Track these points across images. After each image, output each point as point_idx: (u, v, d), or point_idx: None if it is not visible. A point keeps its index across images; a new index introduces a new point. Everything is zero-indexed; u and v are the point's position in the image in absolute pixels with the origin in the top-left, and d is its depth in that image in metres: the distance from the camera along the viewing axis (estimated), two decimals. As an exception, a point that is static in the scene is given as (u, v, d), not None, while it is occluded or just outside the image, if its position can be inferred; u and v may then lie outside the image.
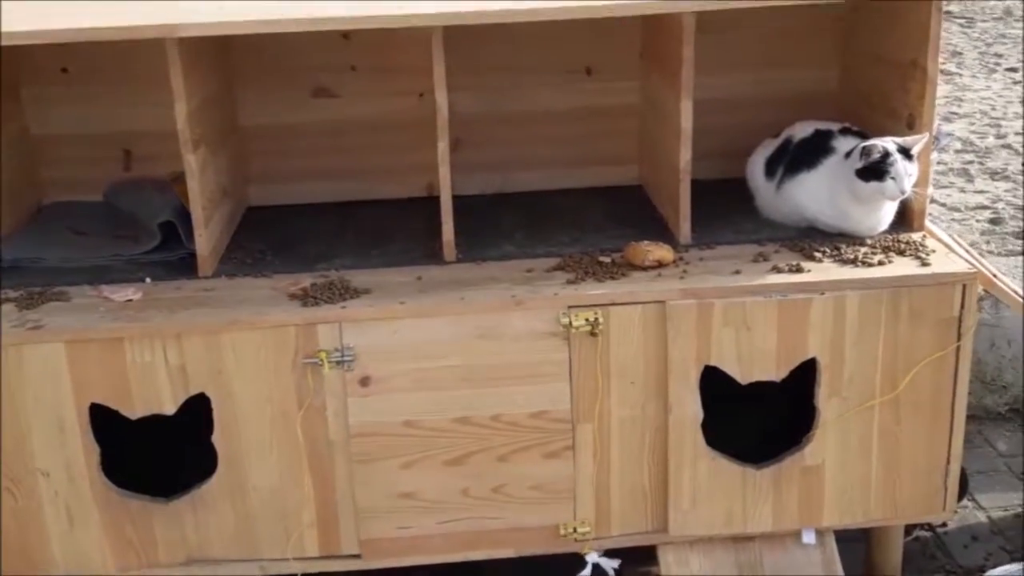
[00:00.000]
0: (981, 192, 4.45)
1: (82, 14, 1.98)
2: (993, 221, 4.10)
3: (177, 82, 1.96)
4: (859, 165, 2.02)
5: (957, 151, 5.01)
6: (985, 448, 2.84)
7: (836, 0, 2.00)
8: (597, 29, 2.33)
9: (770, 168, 2.23)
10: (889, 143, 2.02)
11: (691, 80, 2.04)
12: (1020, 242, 3.87)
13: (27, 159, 2.41)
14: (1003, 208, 4.24)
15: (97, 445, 1.99)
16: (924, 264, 2.01)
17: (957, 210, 4.26)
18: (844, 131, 2.15)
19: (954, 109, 5.73)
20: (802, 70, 2.45)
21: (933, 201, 4.34)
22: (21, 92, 2.39)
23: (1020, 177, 4.58)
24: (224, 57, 2.33)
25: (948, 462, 2.09)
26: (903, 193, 2.02)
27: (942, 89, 6.09)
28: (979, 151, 4.99)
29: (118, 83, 2.38)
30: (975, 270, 1.99)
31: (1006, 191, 4.44)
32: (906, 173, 2.00)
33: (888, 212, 2.13)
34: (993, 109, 5.68)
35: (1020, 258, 3.61)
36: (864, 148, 2.02)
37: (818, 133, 2.17)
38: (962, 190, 4.50)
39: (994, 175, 4.66)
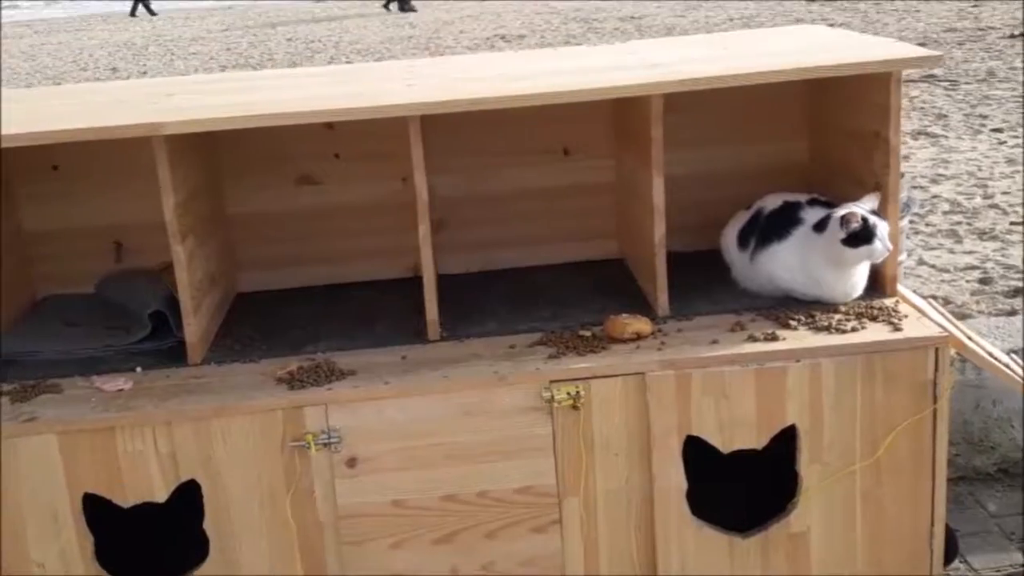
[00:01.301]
0: (970, 252, 4.49)
1: (72, 114, 2.05)
2: (983, 281, 4.13)
3: (164, 176, 2.03)
4: (843, 235, 2.08)
5: (945, 212, 5.06)
6: (976, 509, 2.84)
7: (798, 77, 2.07)
8: (572, 111, 2.40)
9: (743, 240, 2.28)
10: (855, 208, 2.07)
11: (661, 159, 2.10)
12: (1010, 301, 3.90)
13: (22, 255, 2.47)
14: (992, 268, 4.27)
15: (91, 534, 2.01)
16: (896, 329, 2.05)
17: (947, 271, 4.30)
18: (812, 202, 2.22)
19: (941, 171, 5.80)
20: (771, 143, 2.52)
21: (923, 263, 4.39)
22: (14, 190, 2.46)
23: (1008, 237, 4.64)
24: (210, 149, 2.40)
25: (932, 524, 2.10)
26: (888, 250, 2.09)
27: (928, 152, 6.20)
28: (967, 212, 5.05)
29: (107, 178, 2.45)
30: (946, 334, 2.03)
31: (994, 251, 4.48)
32: (886, 232, 2.07)
33: (861, 278, 2.17)
34: (979, 170, 5.75)
35: (1010, 318, 3.64)
36: (843, 218, 2.07)
37: (787, 204, 2.23)
38: (951, 251, 4.54)
39: (982, 235, 4.70)
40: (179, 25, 19.81)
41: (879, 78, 2.07)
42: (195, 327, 2.15)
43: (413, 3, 19.13)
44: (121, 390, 2.05)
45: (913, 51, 2.07)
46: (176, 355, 2.18)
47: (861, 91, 2.18)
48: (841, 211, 2.08)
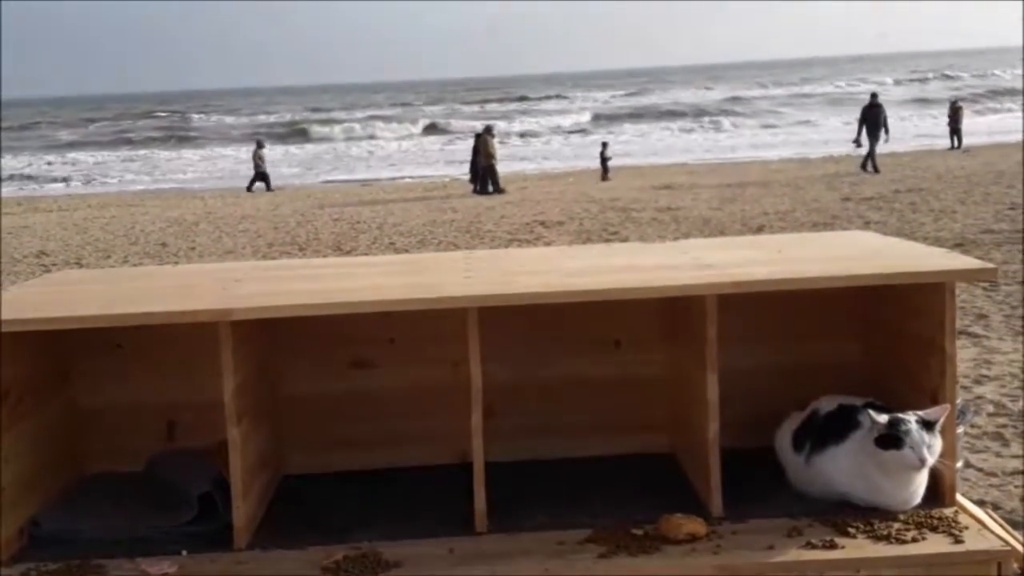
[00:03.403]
0: (1017, 456, 4.41)
1: (143, 297, 2.11)
2: (1032, 487, 4.05)
3: (227, 359, 2.07)
4: (875, 434, 2.07)
5: (990, 414, 5.01)
6: None
7: (852, 284, 2.10)
8: (624, 305, 2.44)
9: (798, 442, 2.27)
10: (910, 415, 2.06)
11: (715, 356, 2.12)
12: (1062, 507, 3.80)
13: (72, 430, 2.49)
14: (1041, 473, 4.19)
15: None
16: (957, 541, 2.00)
17: (994, 475, 4.21)
18: (869, 405, 2.21)
19: (983, 371, 5.77)
20: (824, 343, 2.54)
21: (969, 466, 4.31)
22: (73, 366, 2.50)
23: (1057, 440, 4.56)
24: (269, 333, 2.45)
25: None
26: (922, 462, 2.05)
27: (970, 352, 6.17)
28: (1012, 414, 4.98)
29: (164, 358, 2.49)
30: (1009, 548, 1.98)
31: (1042, 455, 4.40)
32: (923, 442, 2.04)
33: (919, 486, 2.14)
34: (1023, 372, 5.71)
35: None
36: (872, 418, 2.08)
37: (842, 408, 2.23)
38: (998, 454, 4.46)
39: (1030, 439, 4.63)
40: (229, 203, 20.49)
41: (933, 288, 2.10)
42: (243, 511, 2.14)
43: (502, 185, 19.87)
44: (166, 574, 2.03)
45: (967, 263, 2.11)
46: (222, 538, 2.16)
47: (915, 298, 2.20)
48: (875, 411, 2.08)
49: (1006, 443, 4.59)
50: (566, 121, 44.28)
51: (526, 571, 1.98)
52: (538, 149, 34.91)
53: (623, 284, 2.13)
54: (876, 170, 19.44)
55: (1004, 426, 4.81)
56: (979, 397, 5.26)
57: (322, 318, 2.42)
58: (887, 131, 20.69)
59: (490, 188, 19.92)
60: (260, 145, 25.37)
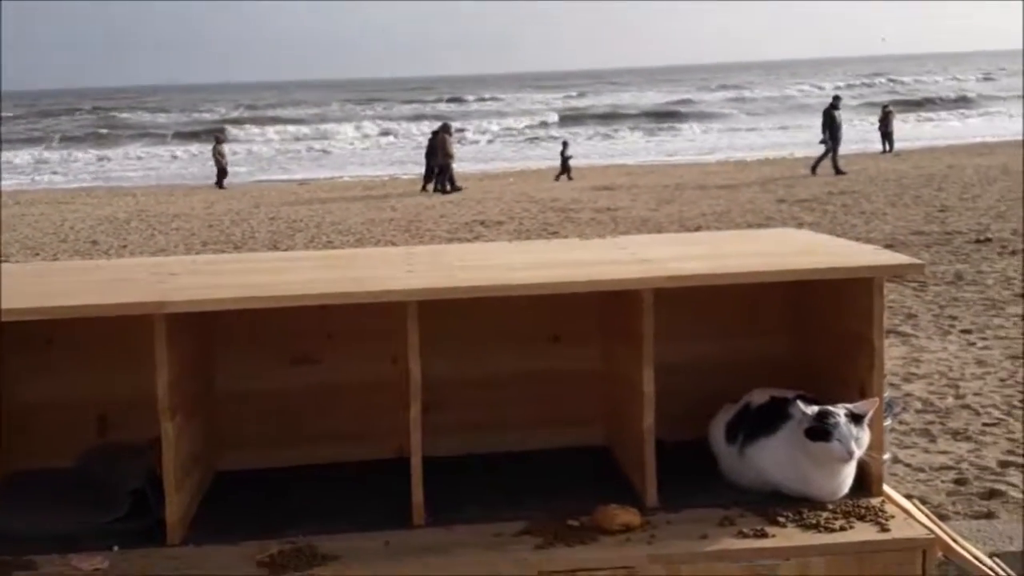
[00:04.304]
0: (944, 452, 4.52)
1: (76, 291, 2.08)
2: (958, 482, 4.14)
3: (161, 353, 2.05)
4: (805, 426, 2.12)
5: (918, 411, 5.12)
6: None
7: (784, 279, 2.14)
8: (563, 300, 2.46)
9: (731, 433, 2.31)
10: (839, 408, 2.11)
11: (651, 350, 2.15)
12: (986, 503, 3.90)
13: (3, 427, 2.44)
14: (967, 468, 4.29)
15: None
16: (884, 530, 2.05)
17: (922, 471, 4.31)
18: (800, 398, 2.25)
19: (912, 369, 5.90)
20: (758, 338, 2.58)
21: (898, 462, 4.40)
22: (2, 361, 2.44)
23: (981, 438, 4.68)
24: (205, 327, 2.43)
25: None
26: (850, 454, 2.10)
27: (899, 350, 6.31)
28: (940, 411, 5.11)
29: (98, 352, 2.45)
30: (933, 536, 2.03)
31: (969, 451, 4.51)
32: (851, 435, 2.09)
33: (847, 476, 2.19)
34: (951, 370, 5.85)
35: (989, 521, 3.63)
36: (809, 410, 2.12)
37: (774, 400, 2.27)
38: (925, 450, 4.57)
39: (956, 435, 4.74)
40: (162, 201, 20.19)
41: (862, 283, 2.15)
42: (176, 506, 2.12)
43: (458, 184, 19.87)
44: (98, 569, 2.00)
45: (896, 259, 2.16)
46: (155, 535, 2.13)
47: (843, 294, 2.25)
48: (804, 403, 2.13)
49: (933, 439, 4.70)
50: (502, 123, 44.35)
51: (462, 563, 1.98)
52: (477, 149, 34.92)
53: (561, 279, 2.15)
54: (839, 171, 19.70)
55: (932, 423, 4.93)
56: (908, 395, 5.39)
57: (259, 313, 2.40)
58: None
59: (447, 187, 19.91)
60: (219, 140, 25.02)
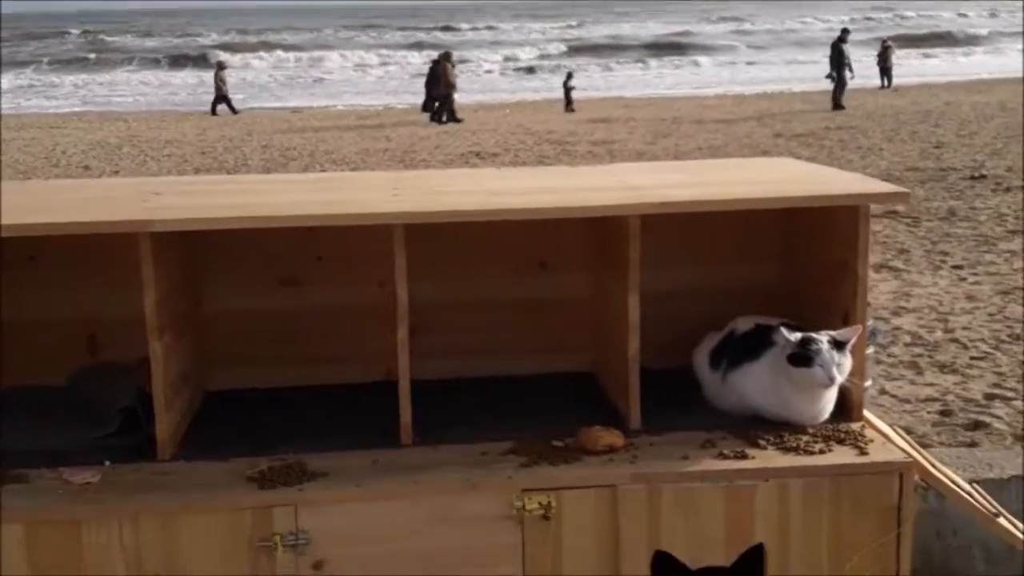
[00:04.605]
0: (931, 385, 4.57)
1: (60, 208, 2.08)
2: (943, 413, 4.20)
3: (147, 273, 2.06)
4: (787, 352, 2.14)
5: (906, 344, 5.17)
6: (936, 638, 2.84)
7: (770, 207, 2.15)
8: (550, 226, 2.47)
9: (715, 360, 2.33)
10: (822, 334, 2.13)
11: (637, 276, 2.16)
12: (970, 434, 3.96)
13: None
14: (953, 400, 4.35)
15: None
16: (862, 453, 2.09)
17: (908, 402, 4.36)
18: (784, 325, 2.27)
19: (902, 303, 5.94)
20: (744, 266, 2.59)
21: (884, 393, 4.46)
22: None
23: (968, 371, 4.73)
24: (192, 248, 2.43)
25: (895, 650, 2.10)
26: (831, 380, 2.12)
27: (891, 284, 6.34)
28: (928, 345, 5.15)
29: (86, 272, 2.46)
30: (911, 460, 2.07)
31: (955, 384, 4.56)
32: (833, 361, 2.11)
33: (828, 402, 2.22)
34: (940, 304, 5.89)
35: (971, 449, 3.69)
36: (792, 336, 2.14)
37: (759, 327, 2.29)
38: (912, 382, 4.62)
39: (943, 368, 4.79)
40: (154, 127, 20.03)
41: (848, 211, 2.16)
42: (166, 424, 2.14)
43: (459, 115, 19.68)
44: (89, 483, 2.04)
45: (881, 187, 2.17)
46: (145, 451, 2.16)
47: (830, 222, 2.26)
48: (788, 330, 2.15)
49: (920, 372, 4.75)
50: (501, 52, 43.88)
51: (447, 480, 2.02)
52: (473, 80, 34.57)
53: (547, 204, 2.15)
54: (837, 105, 19.53)
55: (920, 356, 4.98)
56: (897, 328, 5.43)
57: (248, 235, 2.41)
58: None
59: (445, 118, 19.72)
60: (221, 67, 24.70)
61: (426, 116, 20.23)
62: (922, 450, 2.30)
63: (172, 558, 1.96)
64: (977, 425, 4.03)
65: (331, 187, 2.53)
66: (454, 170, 3.22)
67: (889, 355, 4.99)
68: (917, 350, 5.07)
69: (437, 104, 20.06)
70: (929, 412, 4.22)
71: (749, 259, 2.59)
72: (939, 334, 5.32)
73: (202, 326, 2.50)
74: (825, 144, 14.06)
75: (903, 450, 2.12)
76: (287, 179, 2.70)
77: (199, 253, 2.49)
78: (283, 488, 2.00)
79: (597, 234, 2.50)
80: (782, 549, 2.05)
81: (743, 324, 2.34)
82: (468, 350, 2.60)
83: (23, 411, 2.35)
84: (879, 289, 6.26)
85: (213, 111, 23.20)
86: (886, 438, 2.17)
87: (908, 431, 3.96)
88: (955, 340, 5.21)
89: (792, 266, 2.54)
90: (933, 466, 2.22)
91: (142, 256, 2.05)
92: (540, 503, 1.99)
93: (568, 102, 22.04)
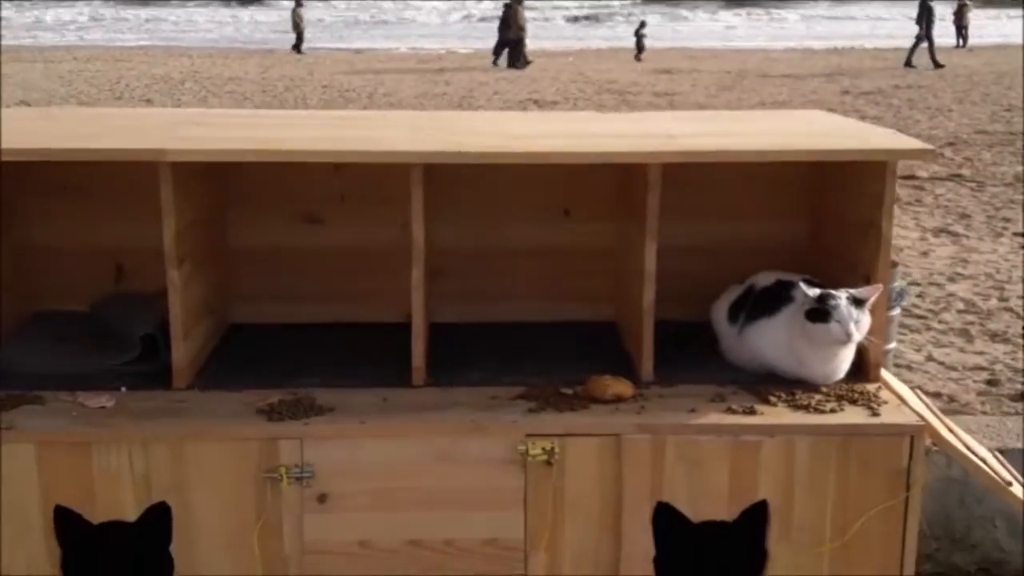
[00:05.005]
0: (980, 353, 4.49)
1: (84, 135, 2.11)
2: (990, 382, 4.12)
3: (167, 202, 2.08)
4: (805, 307, 2.10)
5: (959, 311, 5.07)
6: (953, 606, 2.81)
7: (791, 159, 2.10)
8: (575, 173, 2.44)
9: (733, 314, 2.30)
10: (841, 291, 2.09)
11: (656, 225, 2.13)
12: (1015, 405, 3.88)
13: (25, 269, 2.51)
14: (1001, 370, 4.26)
15: (59, 547, 2.02)
16: (874, 414, 2.05)
17: (955, 369, 4.29)
18: (805, 282, 2.23)
19: (959, 270, 5.82)
20: (769, 222, 2.54)
21: (931, 359, 4.38)
22: (22, 204, 2.50)
23: (1020, 340, 4.63)
24: (217, 181, 2.45)
25: (898, 613, 2.08)
26: (848, 336, 2.08)
27: (948, 250, 6.20)
28: (981, 313, 5.05)
29: (114, 201, 2.49)
30: (923, 423, 2.03)
31: (1005, 353, 4.47)
32: (851, 317, 2.07)
33: (843, 361, 2.18)
34: (998, 272, 5.76)
35: (1012, 418, 3.62)
36: (811, 291, 2.11)
37: (779, 283, 2.25)
38: (961, 350, 4.54)
39: (994, 337, 4.70)
40: (218, 64, 20.18)
41: (875, 167, 2.11)
42: (183, 352, 2.18)
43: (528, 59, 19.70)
44: (103, 407, 2.08)
45: (908, 143, 2.11)
46: (163, 379, 2.20)
47: (858, 179, 2.21)
48: (808, 286, 2.11)
49: (970, 339, 4.67)
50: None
51: (453, 421, 2.03)
52: (535, 27, 34.24)
53: (567, 148, 2.13)
54: (909, 63, 19.21)
55: (971, 323, 4.88)
56: (951, 294, 5.32)
57: (272, 171, 2.42)
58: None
59: (520, 61, 19.72)
60: (299, 3, 24.84)
61: (488, 61, 20.13)
62: (941, 415, 2.25)
63: (180, 485, 2.00)
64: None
65: (354, 124, 2.52)
66: (482, 112, 3.20)
67: (940, 321, 4.90)
68: (969, 317, 4.98)
69: (507, 49, 20.03)
70: (975, 381, 4.15)
71: (775, 214, 2.54)
72: (993, 302, 5.21)
73: (226, 259, 2.53)
74: (893, 103, 13.74)
75: (917, 413, 2.08)
76: (310, 115, 2.70)
77: (224, 187, 2.50)
78: (290, 421, 2.02)
79: (621, 182, 2.47)
80: (786, 507, 2.03)
81: (764, 279, 2.30)
82: (488, 296, 2.60)
83: (47, 336, 2.40)
84: (936, 254, 6.14)
85: (297, 49, 23.43)
86: (902, 400, 2.13)
87: (952, 399, 3.90)
88: (1009, 309, 5.10)
89: (817, 223, 2.49)
90: (950, 431, 2.18)
91: (162, 185, 2.06)
92: (544, 448, 2.00)
93: (640, 50, 21.86)
